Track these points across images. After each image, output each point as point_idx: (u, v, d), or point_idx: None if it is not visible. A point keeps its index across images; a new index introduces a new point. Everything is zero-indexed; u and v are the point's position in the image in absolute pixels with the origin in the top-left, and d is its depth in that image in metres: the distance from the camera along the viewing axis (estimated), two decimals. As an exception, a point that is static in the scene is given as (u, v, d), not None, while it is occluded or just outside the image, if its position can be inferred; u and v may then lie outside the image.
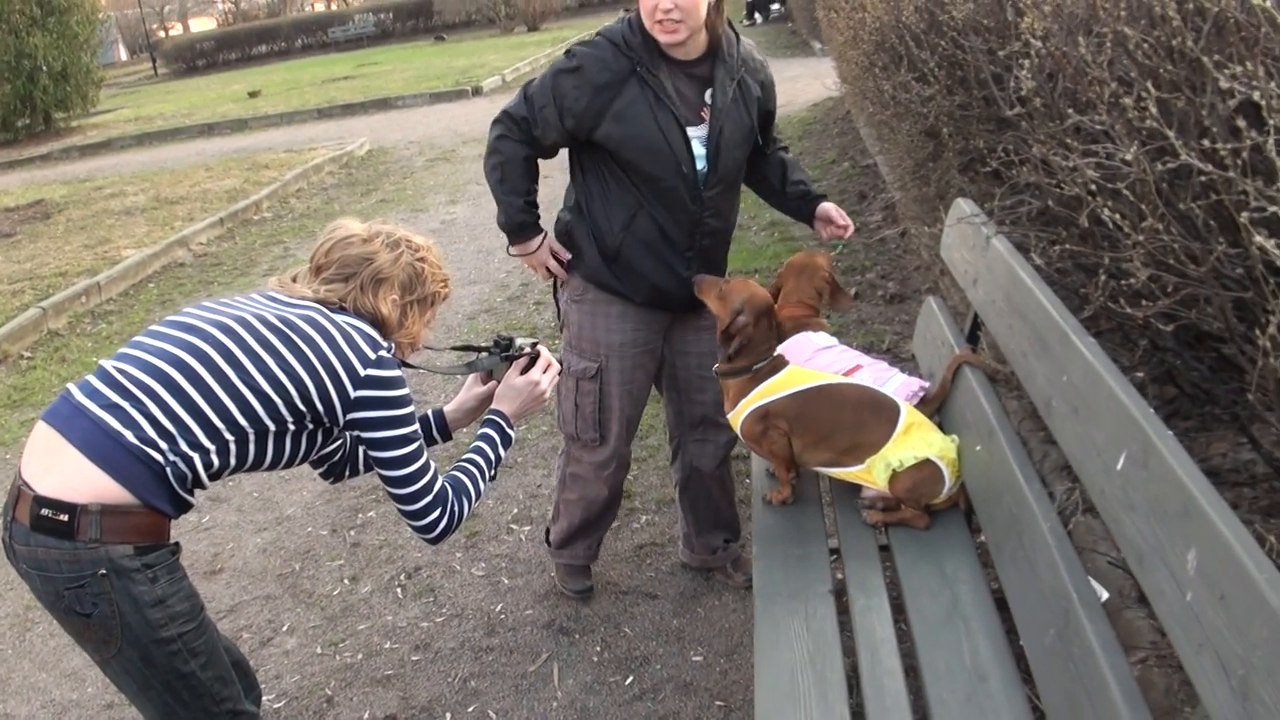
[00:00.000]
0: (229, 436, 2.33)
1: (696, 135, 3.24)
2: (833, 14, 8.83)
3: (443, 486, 2.58)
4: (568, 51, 3.25)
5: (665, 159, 3.19)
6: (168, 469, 2.26)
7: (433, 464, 2.57)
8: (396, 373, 2.49)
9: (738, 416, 3.20)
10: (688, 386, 3.67)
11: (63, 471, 2.22)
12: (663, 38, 3.12)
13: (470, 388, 3.01)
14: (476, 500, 2.68)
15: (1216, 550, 1.68)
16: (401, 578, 4.31)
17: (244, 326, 2.39)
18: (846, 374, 3.44)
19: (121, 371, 2.31)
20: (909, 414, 3.10)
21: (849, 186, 9.22)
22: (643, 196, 3.28)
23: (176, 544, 2.38)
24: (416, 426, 2.53)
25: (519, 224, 3.42)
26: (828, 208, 3.64)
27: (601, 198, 3.36)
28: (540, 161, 3.42)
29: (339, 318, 2.47)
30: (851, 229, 3.64)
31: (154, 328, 2.44)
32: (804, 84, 15.12)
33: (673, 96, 3.18)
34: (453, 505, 2.58)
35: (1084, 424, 2.31)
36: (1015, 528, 2.58)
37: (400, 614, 4.07)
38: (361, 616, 4.09)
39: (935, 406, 3.34)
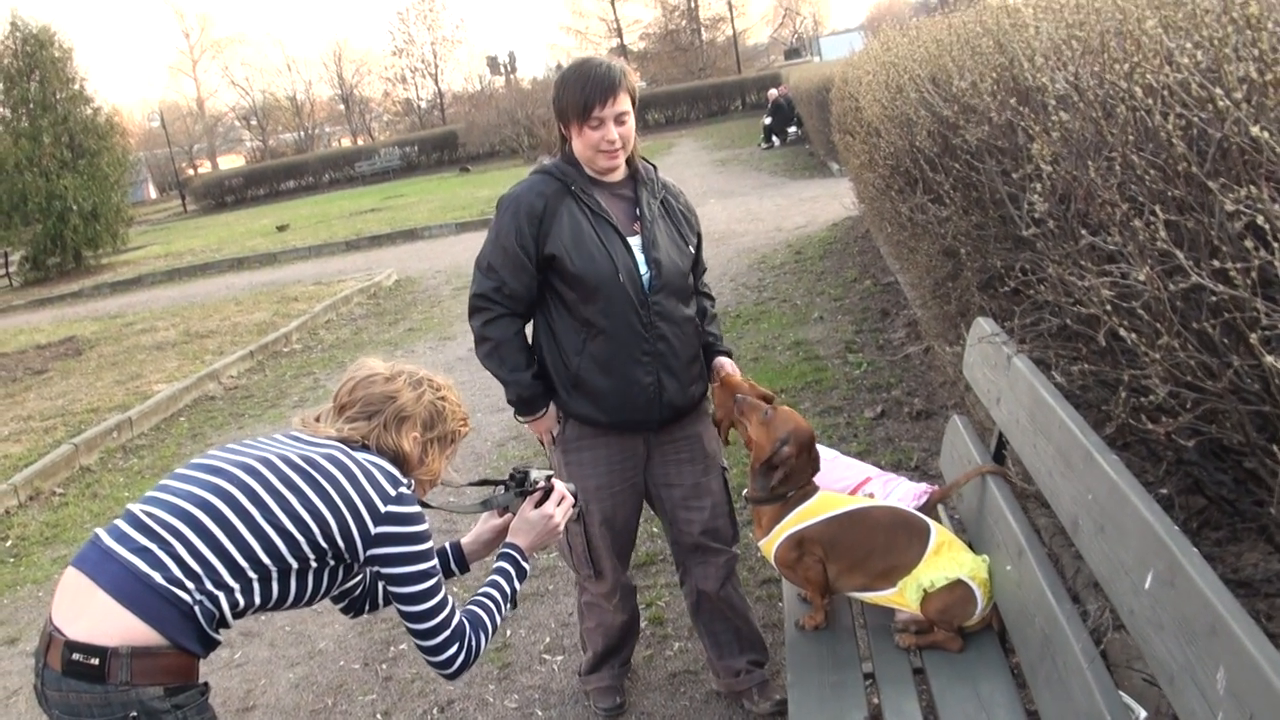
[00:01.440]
0: (253, 575, 2.36)
1: (635, 244, 3.46)
2: (848, 138, 8.99)
3: (460, 622, 2.60)
4: (498, 203, 3.52)
5: (609, 267, 3.38)
6: (195, 608, 2.29)
7: (450, 599, 2.60)
8: (416, 509, 2.53)
9: (771, 544, 3.21)
10: (675, 518, 3.76)
11: (92, 616, 2.25)
12: (606, 164, 3.43)
13: (487, 520, 3.06)
14: (493, 634, 2.71)
15: (1245, 669, 1.67)
16: (435, 712, 4.28)
17: (267, 466, 2.44)
18: (857, 486, 3.50)
19: (149, 514, 2.36)
20: (939, 533, 3.11)
21: (871, 304, 9.30)
22: (592, 316, 3.44)
23: (206, 684, 2.39)
24: (435, 562, 2.57)
25: (530, 397, 3.56)
26: (723, 361, 3.80)
27: (555, 330, 3.54)
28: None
29: (360, 455, 2.53)
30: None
31: (179, 470, 2.49)
32: (823, 204, 15.35)
33: (608, 210, 3.44)
34: (470, 640, 2.60)
35: (1110, 543, 2.31)
36: (1048, 649, 2.57)
37: (433, 748, 4.03)
38: (395, 751, 4.06)
39: (937, 501, 3.46)
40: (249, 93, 70.19)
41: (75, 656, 2.22)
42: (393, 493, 2.49)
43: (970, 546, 3.21)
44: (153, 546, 2.30)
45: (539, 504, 2.91)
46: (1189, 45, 2.56)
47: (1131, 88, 2.67)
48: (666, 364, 3.51)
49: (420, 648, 2.58)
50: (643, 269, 3.43)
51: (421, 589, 2.52)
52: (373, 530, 2.46)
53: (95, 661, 2.21)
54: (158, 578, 2.26)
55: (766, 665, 3.95)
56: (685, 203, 3.70)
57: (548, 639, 4.68)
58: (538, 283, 3.47)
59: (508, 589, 2.78)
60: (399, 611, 2.56)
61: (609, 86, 3.30)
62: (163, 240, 29.49)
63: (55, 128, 23.71)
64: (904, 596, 3.04)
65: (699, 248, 3.74)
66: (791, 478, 3.22)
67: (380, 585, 2.88)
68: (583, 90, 3.31)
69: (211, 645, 2.38)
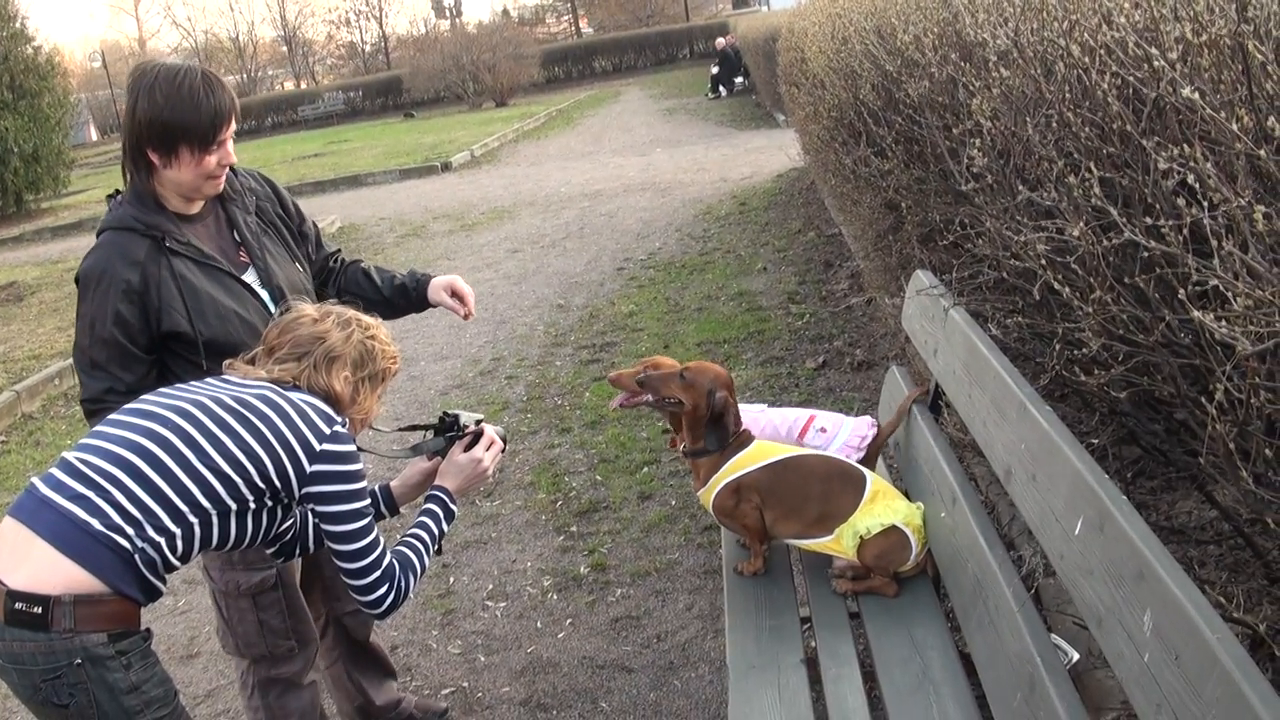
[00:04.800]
0: (193, 519, 2.37)
1: (251, 280, 3.06)
2: (794, 89, 8.99)
3: (390, 562, 2.62)
4: (79, 281, 2.92)
5: (238, 316, 2.97)
6: (136, 555, 2.29)
7: (382, 540, 2.62)
8: (351, 448, 2.55)
9: (709, 492, 3.25)
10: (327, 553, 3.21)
11: (34, 564, 2.25)
12: (213, 189, 2.99)
13: (416, 463, 3.08)
14: (421, 575, 2.74)
15: (1171, 612, 1.73)
16: (378, 656, 4.30)
17: (201, 410, 2.44)
18: (805, 428, 3.54)
19: (84, 461, 2.35)
20: (874, 482, 3.16)
21: (815, 255, 9.35)
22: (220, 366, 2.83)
23: (149, 630, 2.40)
24: (369, 503, 2.59)
25: None
26: (453, 279, 3.46)
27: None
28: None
29: (293, 395, 2.53)
30: (469, 307, 3.47)
31: (113, 416, 2.48)
32: (769, 155, 15.36)
33: (213, 254, 2.99)
34: (399, 581, 2.63)
35: (1042, 491, 2.37)
36: (980, 593, 2.63)
37: (378, 693, 4.06)
38: (339, 696, 4.08)
39: (884, 440, 3.54)
40: (191, 34, 69.05)
41: (18, 605, 2.22)
42: (327, 431, 2.50)
43: (906, 495, 3.28)
44: (90, 493, 2.29)
45: (468, 448, 2.95)
46: (1126, 5, 2.60)
47: (1069, 46, 2.71)
48: None
49: (350, 587, 2.60)
50: (271, 307, 3.03)
51: (355, 527, 2.54)
52: (308, 469, 2.47)
53: (38, 610, 2.21)
54: (96, 524, 2.26)
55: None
56: (280, 197, 3.28)
57: (490, 586, 4.71)
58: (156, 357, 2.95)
59: (435, 530, 2.82)
60: (331, 551, 2.58)
61: (230, 103, 2.89)
62: (104, 183, 28.66)
63: (-5, 67, 23.12)
64: (841, 543, 3.10)
65: (315, 236, 3.39)
66: (736, 421, 3.28)
67: (310, 529, 2.90)
68: (205, 112, 2.82)
69: (154, 593, 2.38)
